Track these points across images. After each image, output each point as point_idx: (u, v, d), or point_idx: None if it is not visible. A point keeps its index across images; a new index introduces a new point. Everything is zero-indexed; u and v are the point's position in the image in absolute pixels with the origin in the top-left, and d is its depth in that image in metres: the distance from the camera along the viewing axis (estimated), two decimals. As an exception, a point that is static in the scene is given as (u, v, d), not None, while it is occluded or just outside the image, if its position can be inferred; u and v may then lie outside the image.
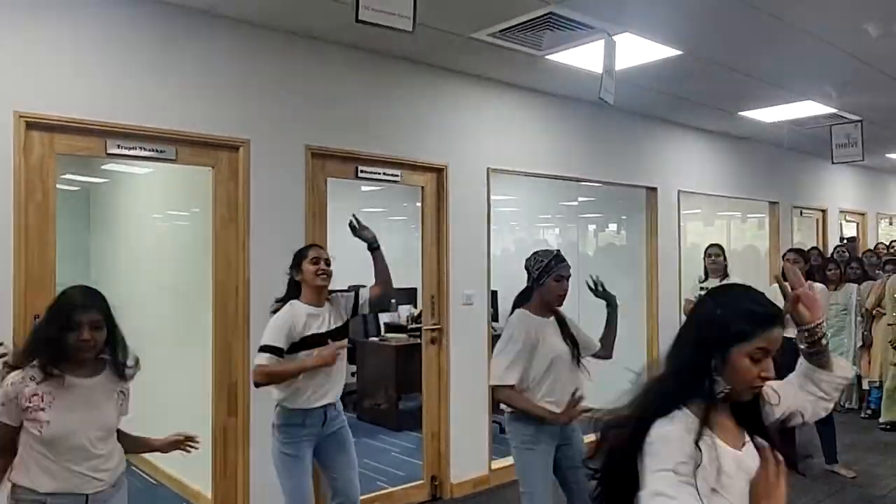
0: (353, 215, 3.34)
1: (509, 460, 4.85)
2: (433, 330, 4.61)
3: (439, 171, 4.63)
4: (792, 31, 3.93)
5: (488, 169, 4.88)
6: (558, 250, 3.09)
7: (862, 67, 4.69)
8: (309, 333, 3.03)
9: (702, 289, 5.54)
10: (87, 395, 2.17)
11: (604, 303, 3.22)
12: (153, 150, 3.47)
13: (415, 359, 4.86)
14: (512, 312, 3.08)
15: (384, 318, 6.96)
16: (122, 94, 3.33)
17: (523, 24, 3.73)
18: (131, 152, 3.40)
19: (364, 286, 3.35)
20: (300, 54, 3.98)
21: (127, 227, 5.44)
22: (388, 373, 6.17)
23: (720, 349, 1.44)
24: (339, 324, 3.17)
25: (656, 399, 1.45)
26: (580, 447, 3.02)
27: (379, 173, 4.36)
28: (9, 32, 3.05)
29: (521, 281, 3.11)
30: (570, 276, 3.03)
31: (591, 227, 7.87)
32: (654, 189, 6.25)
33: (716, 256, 5.61)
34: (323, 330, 3.08)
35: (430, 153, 4.57)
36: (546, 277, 2.98)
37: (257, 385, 2.98)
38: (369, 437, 5.85)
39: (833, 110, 5.86)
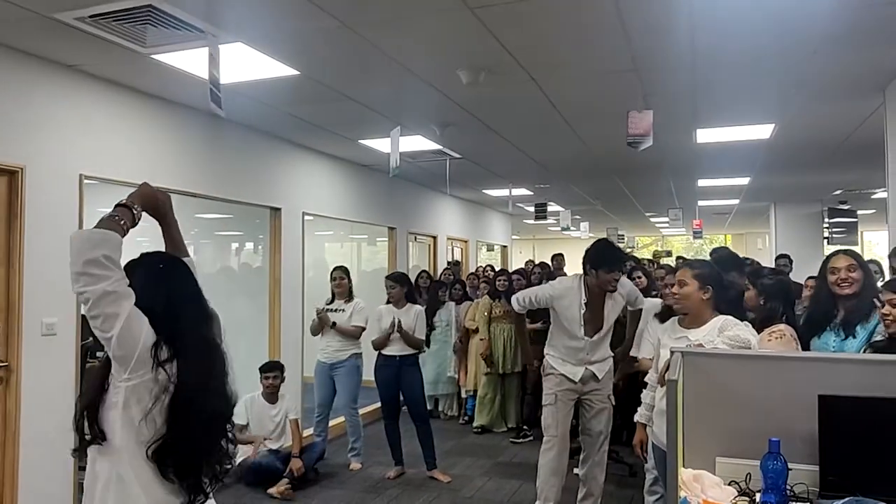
0: None
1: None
2: (-2, 367, 3.77)
3: (13, 174, 3.83)
4: (397, 66, 4.16)
5: (82, 175, 4.21)
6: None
7: (459, 111, 5.25)
8: None
9: (328, 310, 5.59)
10: None
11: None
12: None
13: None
14: None
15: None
16: None
17: (119, 12, 3.27)
18: None
19: None
20: None
21: None
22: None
23: None
24: None
25: None
26: None
27: (-81, 170, 3.42)
28: None
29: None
30: None
31: (233, 246, 7.64)
32: (279, 209, 6.16)
33: (340, 279, 5.76)
34: None
35: (1, 151, 3.76)
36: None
37: None
38: None
39: (439, 147, 6.49)
